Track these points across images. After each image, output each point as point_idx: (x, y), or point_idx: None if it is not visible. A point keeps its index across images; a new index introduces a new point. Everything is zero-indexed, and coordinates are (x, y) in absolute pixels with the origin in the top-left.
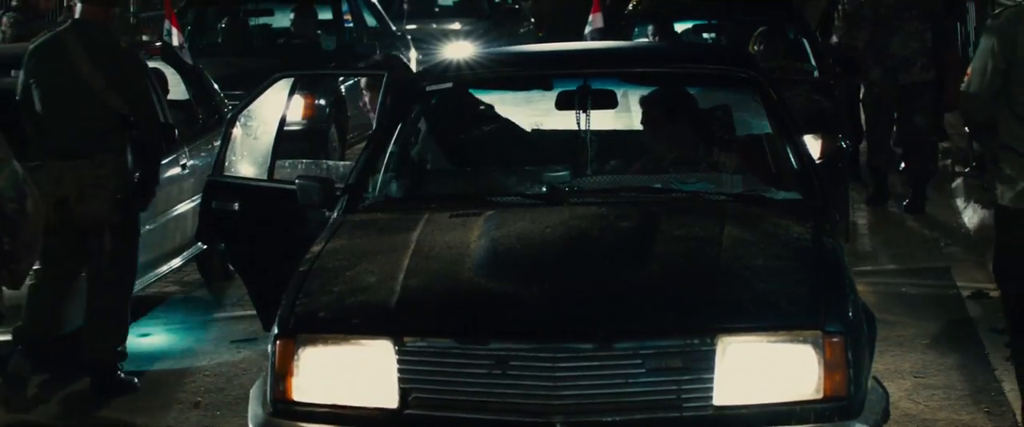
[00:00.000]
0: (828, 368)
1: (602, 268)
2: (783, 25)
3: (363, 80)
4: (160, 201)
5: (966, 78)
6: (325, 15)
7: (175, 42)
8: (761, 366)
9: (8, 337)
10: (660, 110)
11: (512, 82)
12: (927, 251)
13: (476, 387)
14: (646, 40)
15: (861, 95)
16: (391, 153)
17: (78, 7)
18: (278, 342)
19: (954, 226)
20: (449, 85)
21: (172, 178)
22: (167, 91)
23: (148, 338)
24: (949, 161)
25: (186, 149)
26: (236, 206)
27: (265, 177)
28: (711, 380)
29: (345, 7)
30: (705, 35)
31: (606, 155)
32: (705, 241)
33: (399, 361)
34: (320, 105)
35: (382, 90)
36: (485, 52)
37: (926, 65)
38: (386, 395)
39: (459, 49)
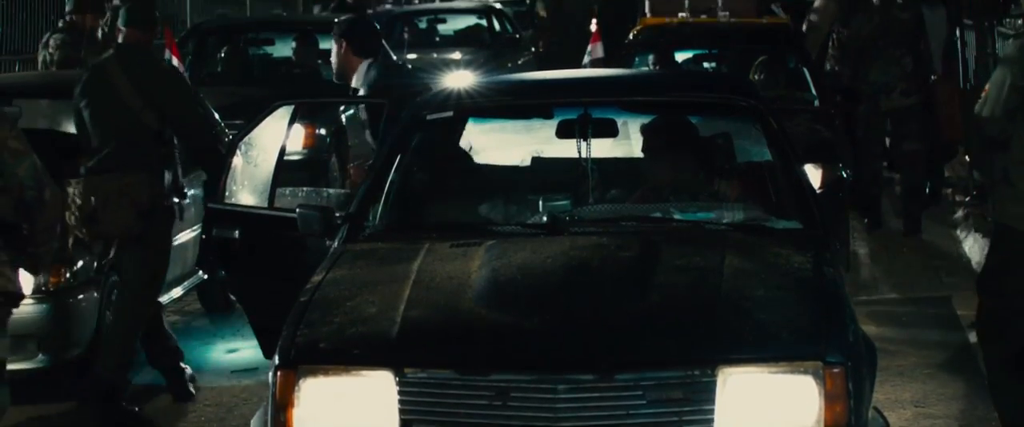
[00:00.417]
0: (829, 399)
1: (603, 299)
2: (783, 55)
3: (363, 109)
4: None
5: (981, 98)
6: (326, 44)
7: None
8: (762, 397)
9: (31, 365)
10: (661, 138)
11: (512, 111)
12: (928, 280)
13: (477, 418)
14: (647, 69)
15: None
16: (391, 182)
17: (122, 32)
18: (279, 373)
19: (955, 255)
20: (449, 114)
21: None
22: None
23: (149, 368)
24: (949, 190)
25: (186, 178)
26: (236, 234)
27: (266, 205)
28: (712, 411)
29: None
30: (706, 64)
31: (607, 184)
32: (705, 271)
33: (400, 392)
34: (320, 134)
35: (383, 119)
36: (485, 81)
37: (907, 90)
38: (387, 426)
39: (460, 78)
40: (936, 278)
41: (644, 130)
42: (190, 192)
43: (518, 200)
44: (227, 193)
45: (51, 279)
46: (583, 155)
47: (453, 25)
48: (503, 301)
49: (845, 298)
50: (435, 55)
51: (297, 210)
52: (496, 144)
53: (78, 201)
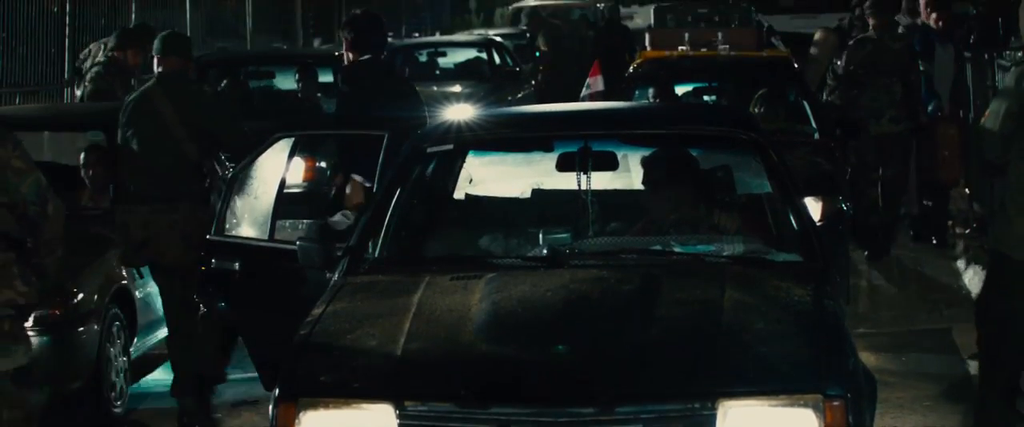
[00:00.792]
0: None
1: (603, 332)
2: (784, 88)
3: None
4: None
5: (984, 116)
6: (326, 77)
7: None
8: None
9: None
10: (661, 171)
11: (512, 144)
12: (928, 313)
13: None
14: (647, 102)
15: None
16: (391, 215)
17: (159, 62)
18: (280, 405)
19: (955, 287)
20: (450, 147)
21: None
22: None
23: (149, 400)
24: (949, 222)
25: None
26: (236, 266)
27: (266, 237)
28: None
29: None
30: (706, 97)
31: (607, 216)
32: (706, 304)
33: (400, 425)
34: (321, 167)
35: (382, 152)
36: (485, 113)
37: (895, 117)
38: None
39: (460, 111)
40: (936, 310)
41: (644, 163)
42: None
43: (518, 233)
44: (227, 225)
45: (52, 312)
46: (583, 188)
47: (453, 58)
48: (503, 334)
49: (845, 331)
50: (435, 88)
51: (297, 242)
52: (496, 177)
53: (128, 229)
